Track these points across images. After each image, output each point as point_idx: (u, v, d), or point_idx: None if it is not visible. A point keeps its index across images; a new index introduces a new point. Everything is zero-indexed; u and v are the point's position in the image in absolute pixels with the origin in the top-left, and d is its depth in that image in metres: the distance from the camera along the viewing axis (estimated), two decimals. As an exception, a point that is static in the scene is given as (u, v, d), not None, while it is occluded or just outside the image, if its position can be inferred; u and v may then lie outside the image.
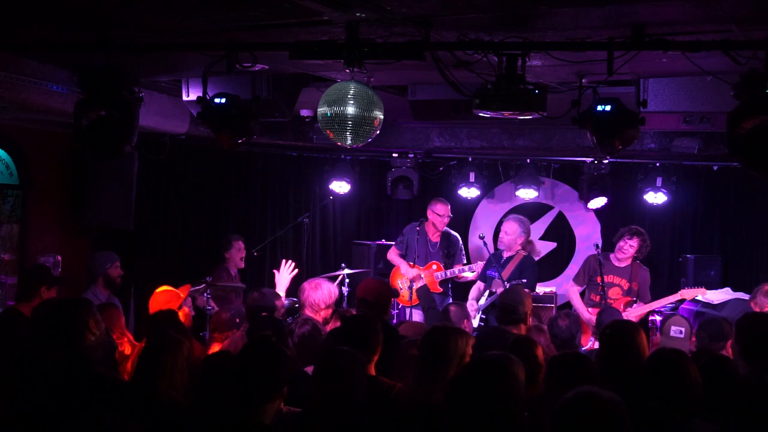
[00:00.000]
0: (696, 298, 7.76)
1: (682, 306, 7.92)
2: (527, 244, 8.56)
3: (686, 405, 3.64)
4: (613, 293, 7.98)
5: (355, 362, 3.85)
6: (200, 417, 3.85)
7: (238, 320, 5.98)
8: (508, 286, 7.57)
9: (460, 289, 8.88)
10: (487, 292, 8.00)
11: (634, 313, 7.72)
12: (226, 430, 3.55)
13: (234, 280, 8.53)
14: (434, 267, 8.66)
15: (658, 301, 7.87)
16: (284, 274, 6.91)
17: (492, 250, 8.23)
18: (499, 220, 8.51)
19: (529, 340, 4.76)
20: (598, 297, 7.91)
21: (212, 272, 7.89)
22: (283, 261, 7.03)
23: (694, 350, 5.40)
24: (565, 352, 4.62)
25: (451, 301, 8.26)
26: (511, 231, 8.22)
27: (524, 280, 7.60)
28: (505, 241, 8.24)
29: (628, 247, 8.02)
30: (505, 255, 8.18)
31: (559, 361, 4.12)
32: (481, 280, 8.27)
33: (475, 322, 7.51)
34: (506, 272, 7.94)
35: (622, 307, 7.78)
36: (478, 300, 8.07)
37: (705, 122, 6.39)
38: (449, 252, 8.78)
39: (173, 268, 8.45)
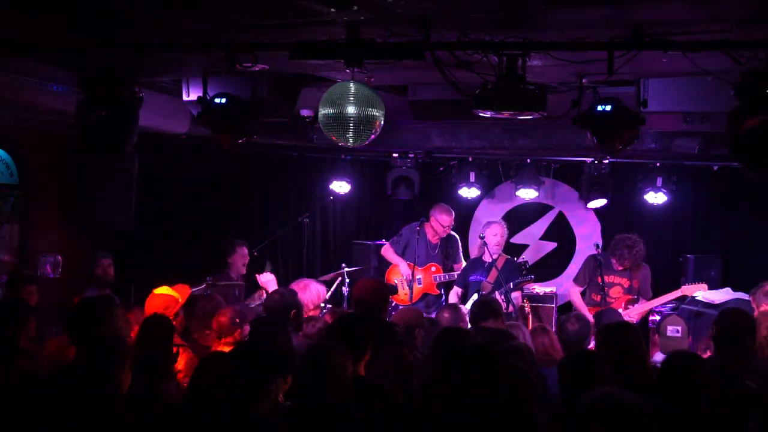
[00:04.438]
0: (696, 298, 7.73)
1: (682, 306, 7.90)
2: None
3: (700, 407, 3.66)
4: (614, 292, 7.95)
5: (336, 355, 3.87)
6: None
7: (238, 320, 5.94)
8: (497, 290, 7.60)
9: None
10: (475, 295, 7.96)
11: (635, 312, 7.71)
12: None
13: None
14: (433, 269, 8.65)
15: (660, 298, 7.85)
16: (267, 277, 6.75)
17: (492, 251, 8.16)
18: (483, 227, 8.46)
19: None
20: (599, 297, 7.88)
21: (212, 274, 7.87)
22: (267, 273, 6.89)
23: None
24: (576, 352, 4.64)
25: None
26: (501, 233, 8.17)
27: (511, 285, 7.61)
28: (499, 245, 8.15)
29: (622, 261, 7.97)
30: (487, 260, 8.09)
31: (570, 361, 4.13)
32: (460, 287, 8.21)
33: None
34: (491, 277, 7.90)
35: (623, 305, 7.77)
36: (464, 305, 8.01)
37: (705, 122, 6.39)
38: (448, 253, 8.76)
39: (173, 268, 8.43)
